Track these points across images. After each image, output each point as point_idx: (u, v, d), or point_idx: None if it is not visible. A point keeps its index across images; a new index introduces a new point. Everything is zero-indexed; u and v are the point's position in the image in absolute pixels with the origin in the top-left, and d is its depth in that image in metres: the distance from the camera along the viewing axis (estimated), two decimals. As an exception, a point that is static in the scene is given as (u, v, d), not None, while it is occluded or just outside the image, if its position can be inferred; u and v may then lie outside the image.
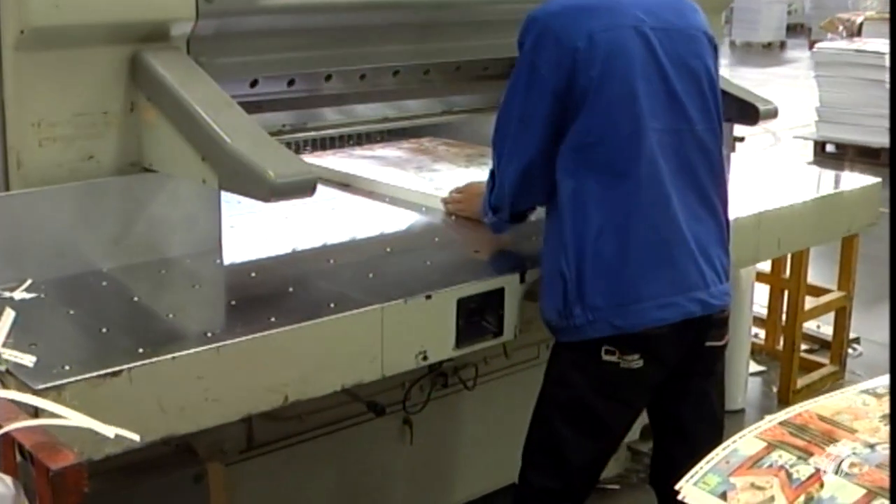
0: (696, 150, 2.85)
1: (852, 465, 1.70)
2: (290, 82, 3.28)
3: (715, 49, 2.97)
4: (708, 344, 2.88)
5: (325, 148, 4.31)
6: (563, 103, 2.71)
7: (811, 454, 1.74)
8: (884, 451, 1.73)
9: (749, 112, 3.86)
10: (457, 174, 3.79)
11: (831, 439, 1.79)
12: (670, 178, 2.77)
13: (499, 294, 2.73)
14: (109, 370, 2.09)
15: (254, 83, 3.18)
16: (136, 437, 1.79)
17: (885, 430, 1.81)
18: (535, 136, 2.76)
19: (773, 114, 3.87)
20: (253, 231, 3.10)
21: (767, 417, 1.87)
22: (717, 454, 1.75)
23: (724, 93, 3.85)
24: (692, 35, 2.89)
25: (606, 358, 2.73)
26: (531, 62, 2.75)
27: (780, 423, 1.84)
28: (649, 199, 2.73)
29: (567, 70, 2.70)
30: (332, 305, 2.46)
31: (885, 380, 2.01)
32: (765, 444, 1.77)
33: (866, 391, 1.98)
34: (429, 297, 2.58)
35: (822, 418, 1.86)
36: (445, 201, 3.41)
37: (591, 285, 2.70)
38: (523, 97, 2.77)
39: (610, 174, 2.71)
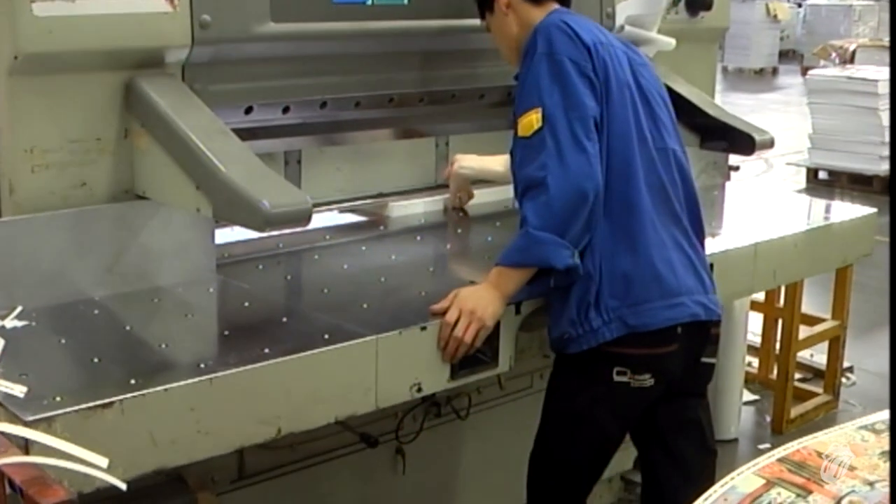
0: (680, 173, 2.92)
1: (851, 502, 1.69)
2: (285, 109, 3.27)
3: None
4: (703, 360, 2.93)
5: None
6: (594, 85, 2.75)
7: (810, 492, 1.73)
8: (883, 489, 1.72)
9: (745, 142, 3.86)
10: None
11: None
12: (673, 191, 2.86)
13: (494, 325, 2.71)
14: (101, 402, 2.07)
15: (248, 110, 3.17)
16: (122, 486, 1.77)
17: (885, 467, 1.80)
18: (590, 124, 2.71)
19: (769, 144, 3.87)
20: (246, 259, 3.08)
21: (766, 454, 1.86)
22: (716, 491, 1.74)
23: (720, 122, 3.89)
24: (649, 65, 3.01)
25: (618, 379, 2.77)
26: (549, 56, 2.74)
27: (779, 460, 1.83)
28: (656, 205, 2.80)
29: (587, 59, 2.75)
30: (326, 336, 2.44)
31: (883, 415, 2.00)
32: (763, 480, 1.76)
33: (865, 427, 1.97)
34: (424, 328, 2.56)
35: (820, 455, 1.85)
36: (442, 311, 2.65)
37: (607, 286, 2.73)
38: (558, 90, 2.71)
39: (618, 174, 2.75)
